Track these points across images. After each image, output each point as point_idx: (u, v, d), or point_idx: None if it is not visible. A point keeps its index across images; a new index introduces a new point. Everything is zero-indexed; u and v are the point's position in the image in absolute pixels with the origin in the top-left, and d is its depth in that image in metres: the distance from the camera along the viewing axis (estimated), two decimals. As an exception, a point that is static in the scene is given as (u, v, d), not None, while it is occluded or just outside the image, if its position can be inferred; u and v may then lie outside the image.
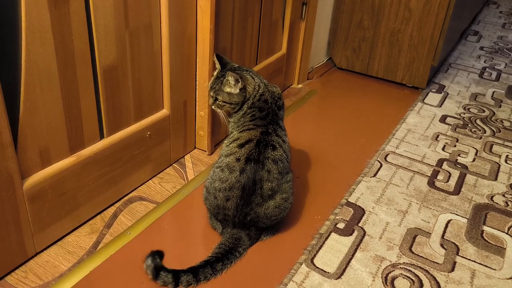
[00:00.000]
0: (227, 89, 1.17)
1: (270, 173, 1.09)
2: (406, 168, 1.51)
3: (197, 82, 1.42)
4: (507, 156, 1.62)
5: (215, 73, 1.23)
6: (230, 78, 1.15)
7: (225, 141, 1.16)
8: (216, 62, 1.23)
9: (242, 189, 1.07)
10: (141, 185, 1.34)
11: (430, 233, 1.24)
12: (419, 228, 1.25)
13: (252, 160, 1.07)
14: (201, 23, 1.33)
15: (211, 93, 1.20)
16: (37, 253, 1.09)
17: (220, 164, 1.11)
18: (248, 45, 1.62)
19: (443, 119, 1.85)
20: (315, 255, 1.14)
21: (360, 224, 1.25)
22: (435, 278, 1.10)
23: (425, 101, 2.00)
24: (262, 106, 1.17)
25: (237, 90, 1.16)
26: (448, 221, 1.29)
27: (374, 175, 1.46)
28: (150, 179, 1.37)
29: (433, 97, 2.04)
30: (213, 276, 1.05)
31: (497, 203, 1.38)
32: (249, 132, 1.11)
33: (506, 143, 1.71)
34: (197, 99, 1.45)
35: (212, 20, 1.31)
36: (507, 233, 1.26)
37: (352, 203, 1.33)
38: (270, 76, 1.82)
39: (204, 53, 1.36)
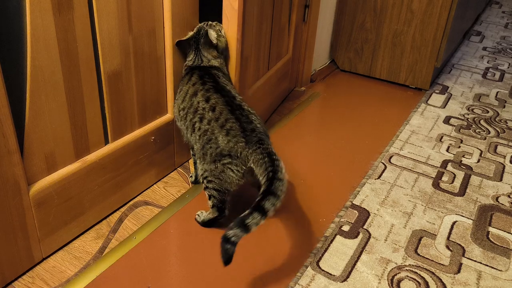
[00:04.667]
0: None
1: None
2: (410, 169, 1.51)
3: None
4: (511, 156, 1.62)
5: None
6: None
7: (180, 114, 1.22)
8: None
9: (229, 111, 1.11)
10: (146, 189, 1.35)
11: (435, 235, 1.23)
12: (424, 230, 1.25)
13: (213, 91, 1.16)
14: (227, 33, 1.30)
15: None
16: (44, 259, 1.09)
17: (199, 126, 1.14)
18: (262, 51, 1.61)
19: (447, 120, 1.85)
20: (320, 258, 1.14)
21: (365, 227, 1.25)
22: (441, 279, 1.10)
23: (428, 102, 2.00)
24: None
25: None
26: (454, 223, 1.28)
27: (379, 177, 1.46)
28: (155, 183, 1.38)
29: (437, 98, 2.04)
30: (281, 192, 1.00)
31: (502, 204, 1.37)
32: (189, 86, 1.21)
33: (510, 144, 1.70)
34: None
35: (240, 29, 1.28)
36: (513, 234, 1.26)
37: (357, 205, 1.33)
38: (278, 80, 1.82)
39: (231, 64, 1.33)
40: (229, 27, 1.28)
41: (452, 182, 1.46)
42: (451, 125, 1.82)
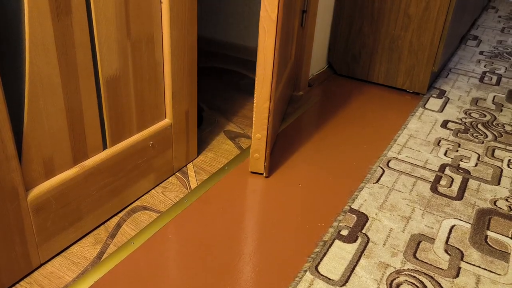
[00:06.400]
0: None
1: None
2: (408, 174, 1.52)
3: (255, 103, 1.37)
4: (509, 160, 1.63)
5: None
6: None
7: None
8: None
9: None
10: (144, 194, 1.35)
11: (434, 239, 1.24)
12: (423, 234, 1.25)
13: None
14: (263, 44, 1.29)
15: None
16: (41, 264, 1.09)
17: None
18: (282, 58, 1.59)
19: (444, 124, 1.86)
20: (319, 263, 1.14)
21: (363, 231, 1.25)
22: (440, 284, 1.10)
23: (426, 106, 2.01)
24: None
25: None
26: (452, 227, 1.29)
27: (377, 181, 1.47)
28: (153, 188, 1.38)
29: (434, 102, 2.05)
30: None
31: (500, 208, 1.38)
32: None
33: (508, 148, 1.71)
34: (254, 121, 1.40)
35: (278, 40, 1.28)
36: (511, 238, 1.26)
37: (355, 209, 1.33)
38: (287, 86, 1.81)
39: (266, 75, 1.31)
40: (267, 38, 1.28)
41: (450, 186, 1.46)
42: (448, 129, 1.82)
